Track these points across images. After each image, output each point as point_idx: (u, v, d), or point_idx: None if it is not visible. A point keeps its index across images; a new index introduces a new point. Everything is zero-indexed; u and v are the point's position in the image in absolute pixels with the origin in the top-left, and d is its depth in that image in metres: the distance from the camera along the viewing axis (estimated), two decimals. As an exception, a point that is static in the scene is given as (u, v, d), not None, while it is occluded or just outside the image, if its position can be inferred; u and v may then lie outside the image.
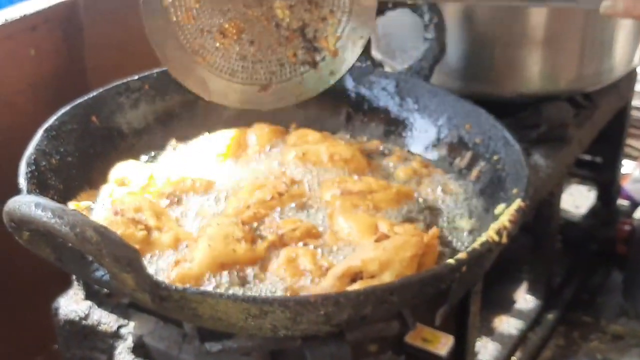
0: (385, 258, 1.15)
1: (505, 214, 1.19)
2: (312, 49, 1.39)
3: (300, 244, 1.24)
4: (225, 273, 1.17)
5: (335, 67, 1.40)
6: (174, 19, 1.33)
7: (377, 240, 1.21)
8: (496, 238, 1.14)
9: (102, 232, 0.96)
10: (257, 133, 1.52)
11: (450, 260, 1.09)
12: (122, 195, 1.31)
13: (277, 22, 1.37)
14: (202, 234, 1.23)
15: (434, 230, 1.24)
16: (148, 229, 1.24)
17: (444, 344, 1.72)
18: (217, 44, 1.36)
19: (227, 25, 1.36)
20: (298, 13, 1.37)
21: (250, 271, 1.19)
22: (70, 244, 1.01)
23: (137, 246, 1.15)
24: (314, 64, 1.40)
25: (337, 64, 1.40)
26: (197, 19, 1.35)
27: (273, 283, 1.17)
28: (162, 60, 1.35)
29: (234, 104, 1.41)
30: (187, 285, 1.11)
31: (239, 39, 1.37)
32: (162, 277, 1.16)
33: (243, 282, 1.17)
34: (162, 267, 1.20)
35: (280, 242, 1.24)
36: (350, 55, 1.41)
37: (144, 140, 1.50)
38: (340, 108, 1.61)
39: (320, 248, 1.24)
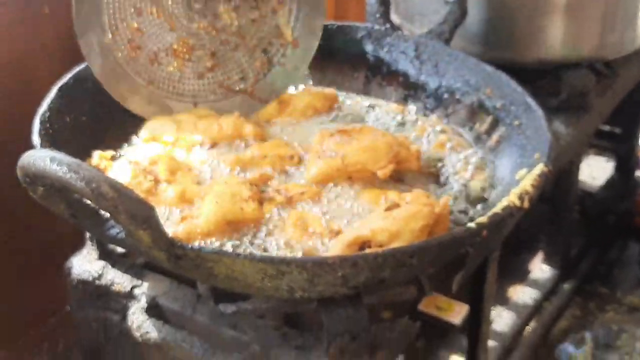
0: (395, 228, 1.12)
1: (527, 178, 1.16)
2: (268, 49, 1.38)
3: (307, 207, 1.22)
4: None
5: (298, 60, 1.39)
6: (119, 54, 1.32)
7: (387, 209, 1.17)
8: (518, 203, 1.11)
9: (118, 188, 0.94)
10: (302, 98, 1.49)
11: (471, 224, 1.07)
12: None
13: (225, 29, 1.35)
14: (209, 191, 1.21)
15: (444, 200, 1.20)
16: (157, 181, 1.23)
17: (458, 312, 1.71)
18: (171, 68, 1.35)
19: (175, 46, 1.34)
20: (244, 13, 1.35)
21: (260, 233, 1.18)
22: (85, 200, 0.99)
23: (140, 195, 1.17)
24: (275, 63, 1.38)
25: (300, 55, 1.38)
26: (143, 48, 1.34)
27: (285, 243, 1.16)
28: (120, 101, 1.35)
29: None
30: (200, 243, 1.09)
31: (190, 57, 1.35)
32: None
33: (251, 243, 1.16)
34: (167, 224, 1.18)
35: (288, 204, 1.23)
36: (310, 43, 1.40)
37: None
38: (358, 71, 1.59)
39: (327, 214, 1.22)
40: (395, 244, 1.10)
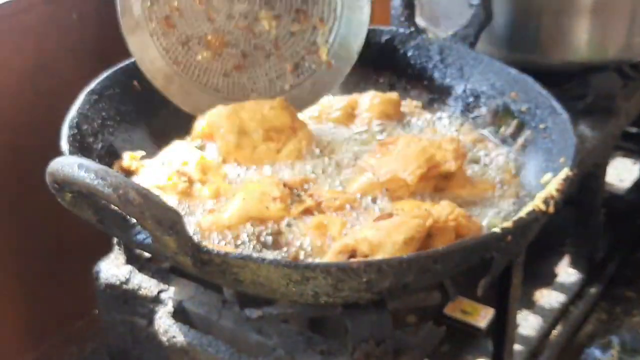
0: (376, 240, 1.10)
1: (553, 182, 1.16)
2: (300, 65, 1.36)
3: (335, 214, 1.22)
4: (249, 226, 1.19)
5: (327, 81, 1.37)
6: (152, 25, 1.31)
7: (377, 219, 1.16)
8: (543, 207, 1.11)
9: (145, 194, 0.95)
10: (369, 102, 1.48)
11: (496, 229, 1.07)
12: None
13: (262, 35, 1.34)
14: (241, 188, 1.24)
15: (442, 211, 1.16)
16: (191, 181, 1.26)
17: (483, 316, 1.71)
18: (199, 57, 1.33)
19: (209, 37, 1.32)
20: (285, 23, 1.34)
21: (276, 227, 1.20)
22: (112, 206, 1.00)
23: (176, 197, 1.24)
24: (303, 80, 1.37)
25: (330, 76, 1.36)
26: (177, 28, 1.32)
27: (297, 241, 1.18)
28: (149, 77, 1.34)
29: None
30: (226, 249, 1.10)
31: (222, 53, 1.33)
32: (193, 224, 1.19)
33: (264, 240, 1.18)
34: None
35: (317, 209, 1.23)
36: (344, 66, 1.37)
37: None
38: (383, 75, 1.59)
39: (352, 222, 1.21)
40: (379, 256, 1.08)
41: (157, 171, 1.29)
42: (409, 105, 1.53)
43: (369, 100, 1.48)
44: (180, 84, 1.35)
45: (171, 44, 1.33)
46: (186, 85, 1.35)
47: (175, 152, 1.34)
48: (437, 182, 1.27)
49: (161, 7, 1.31)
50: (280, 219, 1.20)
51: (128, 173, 1.31)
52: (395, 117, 1.47)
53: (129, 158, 1.33)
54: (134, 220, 1.04)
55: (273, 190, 1.22)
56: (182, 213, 1.21)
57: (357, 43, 1.38)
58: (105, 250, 1.35)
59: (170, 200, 1.23)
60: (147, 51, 1.31)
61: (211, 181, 1.28)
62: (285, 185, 1.25)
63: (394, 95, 1.50)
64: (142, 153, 1.35)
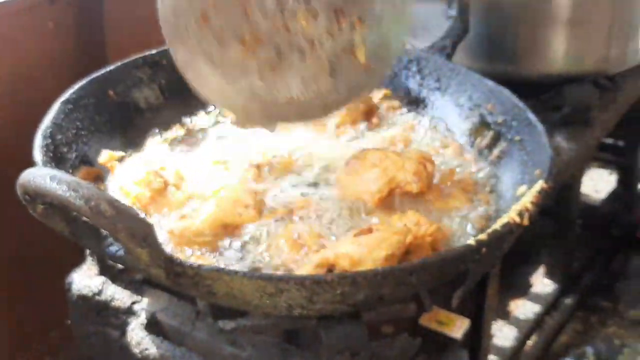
0: (357, 256, 1.09)
1: (528, 195, 1.16)
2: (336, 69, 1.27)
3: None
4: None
5: (362, 86, 1.29)
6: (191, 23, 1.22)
7: (356, 235, 1.15)
8: (517, 219, 1.11)
9: (117, 206, 0.94)
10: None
11: (471, 241, 1.07)
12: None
13: (298, 32, 1.25)
14: (213, 195, 1.24)
15: (419, 228, 1.17)
16: (166, 184, 1.26)
17: (459, 326, 1.70)
18: (232, 53, 1.24)
19: (244, 32, 1.24)
20: (322, 21, 1.26)
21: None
22: (84, 218, 0.99)
23: (149, 193, 1.24)
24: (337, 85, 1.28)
25: (365, 80, 1.29)
26: (211, 22, 1.23)
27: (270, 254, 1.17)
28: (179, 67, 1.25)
29: (254, 118, 1.32)
30: (200, 262, 1.09)
31: (256, 50, 1.25)
32: (165, 230, 1.19)
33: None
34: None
35: (289, 216, 1.24)
36: (381, 69, 1.30)
37: (162, 116, 1.48)
38: (359, 86, 1.58)
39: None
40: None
41: (134, 168, 1.30)
42: (387, 105, 1.53)
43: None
44: (217, 84, 1.26)
45: (204, 37, 1.23)
46: (221, 85, 1.27)
47: (154, 155, 1.35)
48: (406, 197, 1.28)
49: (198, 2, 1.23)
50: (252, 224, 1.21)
51: (96, 179, 1.31)
52: (370, 118, 1.48)
53: (107, 156, 1.33)
54: (106, 233, 1.03)
55: (246, 198, 1.23)
56: (153, 213, 1.23)
57: (396, 45, 1.32)
58: (79, 260, 1.34)
59: (144, 195, 1.24)
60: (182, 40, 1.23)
61: (185, 188, 1.29)
62: (257, 192, 1.25)
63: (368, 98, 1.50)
64: (122, 154, 1.35)
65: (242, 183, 1.29)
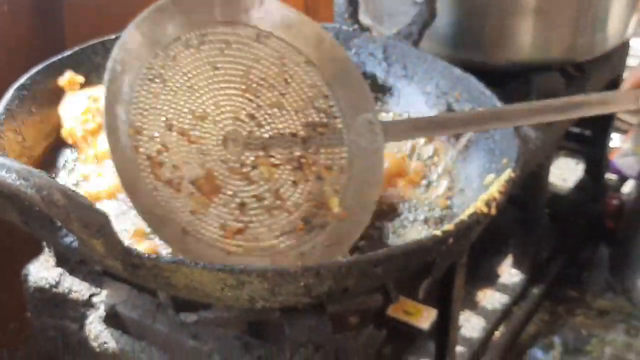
0: None
1: (495, 184, 1.14)
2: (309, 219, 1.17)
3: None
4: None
5: (342, 234, 1.17)
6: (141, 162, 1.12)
7: None
8: (485, 209, 1.10)
9: (71, 196, 0.91)
10: None
11: (437, 232, 1.05)
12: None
13: (262, 183, 1.17)
14: None
15: None
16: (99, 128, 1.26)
17: (426, 317, 1.70)
18: (191, 203, 1.13)
19: (201, 181, 1.14)
20: (286, 172, 1.19)
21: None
22: (37, 208, 0.96)
23: (81, 133, 1.25)
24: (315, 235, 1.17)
25: (346, 228, 1.18)
26: (165, 166, 1.13)
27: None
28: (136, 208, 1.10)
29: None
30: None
31: (215, 200, 1.14)
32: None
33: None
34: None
35: None
36: (361, 216, 1.18)
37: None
38: (325, 73, 1.56)
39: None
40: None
41: (79, 101, 1.29)
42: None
43: None
44: (173, 229, 1.12)
45: (160, 184, 1.13)
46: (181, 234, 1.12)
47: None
48: None
49: (148, 144, 1.14)
50: None
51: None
52: None
53: (68, 77, 1.32)
54: (60, 223, 0.99)
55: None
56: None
57: (373, 191, 1.22)
58: (38, 250, 1.30)
59: (75, 131, 1.26)
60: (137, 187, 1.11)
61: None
62: None
63: None
64: (83, 79, 1.34)
65: None
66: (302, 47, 1.28)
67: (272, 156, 1.20)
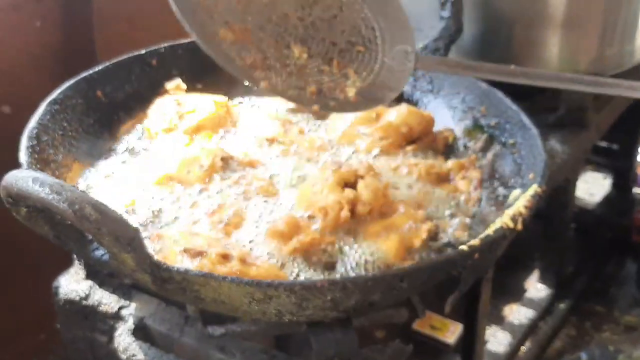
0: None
1: (521, 199, 1.14)
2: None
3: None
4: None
5: (351, 107, 1.32)
6: None
7: None
8: (511, 224, 1.09)
9: (102, 210, 0.92)
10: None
11: (463, 247, 1.05)
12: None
13: (290, 58, 1.28)
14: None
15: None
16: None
17: (452, 331, 1.69)
18: (221, 33, 1.26)
19: (235, 26, 1.27)
20: (315, 62, 1.28)
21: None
22: (68, 222, 0.97)
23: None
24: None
25: (355, 105, 1.31)
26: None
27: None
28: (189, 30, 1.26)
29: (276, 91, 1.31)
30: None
31: (242, 43, 1.28)
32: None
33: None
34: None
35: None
36: (371, 104, 1.31)
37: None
38: (351, 87, 1.57)
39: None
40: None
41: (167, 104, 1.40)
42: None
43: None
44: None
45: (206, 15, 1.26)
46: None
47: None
48: None
49: None
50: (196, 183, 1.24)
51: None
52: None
53: (175, 84, 1.44)
54: (91, 237, 1.00)
55: (203, 159, 1.26)
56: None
57: (389, 93, 1.32)
58: (68, 263, 1.32)
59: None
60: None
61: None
62: (222, 159, 1.27)
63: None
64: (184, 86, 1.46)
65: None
66: None
67: (308, 47, 1.27)
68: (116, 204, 1.19)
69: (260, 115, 1.45)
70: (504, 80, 1.30)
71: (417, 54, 1.31)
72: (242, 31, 1.25)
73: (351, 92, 1.28)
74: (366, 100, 1.30)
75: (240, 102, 1.50)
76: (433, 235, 1.18)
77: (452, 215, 1.24)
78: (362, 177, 1.22)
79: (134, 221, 1.16)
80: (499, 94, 1.39)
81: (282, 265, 1.11)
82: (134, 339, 1.21)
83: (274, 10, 1.26)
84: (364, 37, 1.30)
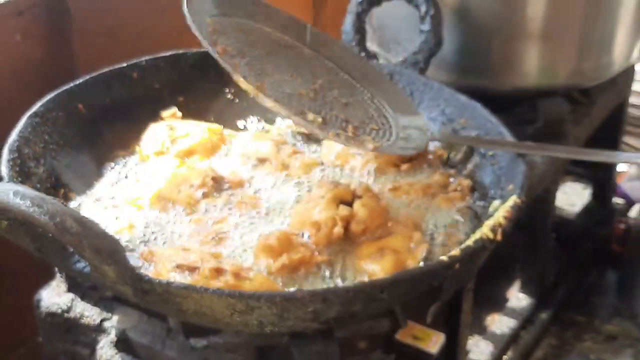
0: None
1: (501, 210, 1.16)
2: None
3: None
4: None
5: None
6: None
7: None
8: (491, 235, 1.11)
9: (83, 222, 0.92)
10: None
11: (443, 257, 1.06)
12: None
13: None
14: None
15: None
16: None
17: (434, 341, 1.69)
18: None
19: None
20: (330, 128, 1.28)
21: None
22: (50, 234, 0.97)
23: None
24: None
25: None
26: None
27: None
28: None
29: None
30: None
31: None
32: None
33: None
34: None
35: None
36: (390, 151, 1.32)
37: (132, 130, 1.46)
38: (332, 100, 1.58)
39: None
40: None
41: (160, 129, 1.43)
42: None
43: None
44: None
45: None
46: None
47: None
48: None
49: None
50: (186, 204, 1.25)
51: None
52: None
53: (171, 111, 1.46)
54: (72, 249, 1.01)
55: (193, 179, 1.27)
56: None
57: (409, 151, 1.35)
58: (49, 275, 1.32)
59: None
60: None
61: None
62: (213, 179, 1.28)
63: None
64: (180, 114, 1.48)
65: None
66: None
67: (323, 117, 1.27)
68: (108, 223, 1.21)
69: (252, 135, 1.46)
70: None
71: (430, 131, 1.39)
72: (257, 87, 1.24)
73: (370, 146, 1.29)
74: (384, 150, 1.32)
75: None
76: (428, 255, 1.19)
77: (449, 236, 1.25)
78: (359, 196, 1.23)
79: (125, 240, 1.17)
80: (479, 106, 1.41)
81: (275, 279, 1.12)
82: (116, 351, 1.21)
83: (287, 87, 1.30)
84: (377, 121, 1.33)
